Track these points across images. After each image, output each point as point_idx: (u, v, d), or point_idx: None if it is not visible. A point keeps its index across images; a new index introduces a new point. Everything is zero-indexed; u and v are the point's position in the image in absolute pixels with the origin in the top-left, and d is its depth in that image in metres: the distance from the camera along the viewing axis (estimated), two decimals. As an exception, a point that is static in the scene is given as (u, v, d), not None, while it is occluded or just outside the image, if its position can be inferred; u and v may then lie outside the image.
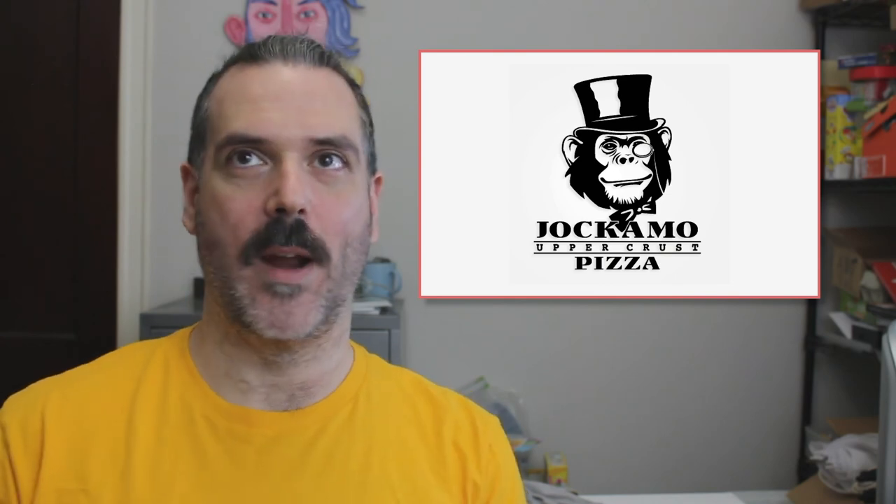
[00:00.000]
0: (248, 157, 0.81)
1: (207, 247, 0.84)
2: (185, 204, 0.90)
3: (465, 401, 0.96)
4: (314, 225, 0.81)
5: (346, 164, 0.84)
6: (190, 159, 0.90)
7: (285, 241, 0.79)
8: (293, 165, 0.81)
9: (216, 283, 0.84)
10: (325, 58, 0.86)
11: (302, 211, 0.80)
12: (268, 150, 0.81)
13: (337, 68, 0.88)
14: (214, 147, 0.84)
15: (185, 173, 0.90)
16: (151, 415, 0.84)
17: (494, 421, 0.96)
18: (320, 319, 0.82)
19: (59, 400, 0.84)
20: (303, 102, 0.83)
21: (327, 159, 0.83)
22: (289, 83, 0.83)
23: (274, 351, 0.84)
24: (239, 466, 0.82)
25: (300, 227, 0.80)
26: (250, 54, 0.86)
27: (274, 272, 0.80)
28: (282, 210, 0.79)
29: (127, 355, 0.90)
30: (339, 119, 0.85)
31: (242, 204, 0.81)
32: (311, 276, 0.81)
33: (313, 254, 0.81)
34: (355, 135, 0.86)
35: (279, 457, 0.83)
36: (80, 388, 0.86)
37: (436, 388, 0.96)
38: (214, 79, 0.89)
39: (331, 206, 0.82)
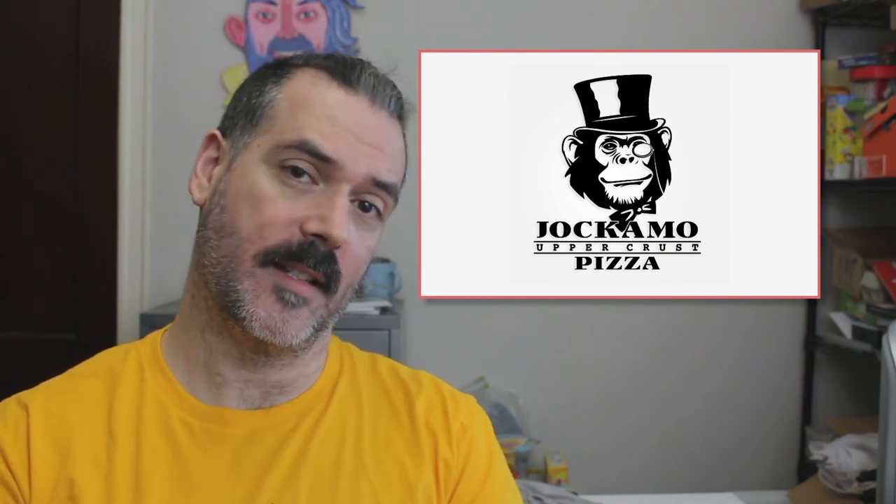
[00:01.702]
0: (301, 170, 0.82)
1: (219, 231, 0.83)
2: (197, 170, 0.88)
3: (437, 381, 0.96)
4: (341, 260, 0.83)
5: (379, 213, 0.86)
6: (225, 132, 0.88)
7: (315, 265, 0.81)
8: (346, 200, 0.82)
9: (215, 269, 0.82)
10: (402, 112, 0.89)
11: (338, 246, 0.82)
12: (328, 174, 0.82)
13: (403, 122, 0.90)
14: (275, 143, 0.83)
15: (211, 141, 0.88)
16: (129, 420, 0.84)
17: (469, 400, 0.96)
18: (307, 337, 0.83)
19: (41, 409, 0.84)
20: (375, 146, 0.84)
21: (367, 204, 0.85)
22: (370, 126, 0.84)
23: (254, 348, 0.84)
24: (214, 466, 0.83)
25: (331, 258, 0.82)
26: (342, 74, 0.86)
27: (288, 280, 0.81)
28: (319, 236, 0.81)
29: (100, 363, 0.90)
30: (397, 170, 0.88)
31: (281, 211, 0.81)
32: (316, 295, 0.83)
33: (329, 282, 0.83)
34: (399, 188, 0.89)
35: (254, 454, 0.83)
36: (59, 397, 0.85)
37: (407, 370, 0.96)
38: (285, 68, 0.87)
39: (356, 247, 0.85)
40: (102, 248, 2.47)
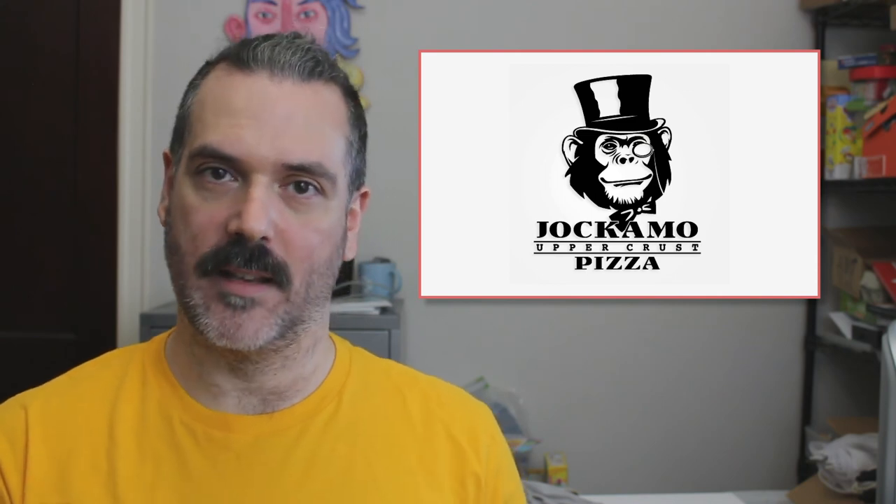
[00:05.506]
0: (221, 171, 0.79)
1: (169, 249, 0.83)
2: (163, 192, 0.88)
3: (457, 390, 0.95)
4: (278, 250, 0.79)
5: (320, 191, 0.81)
6: (171, 149, 0.87)
7: (245, 263, 0.78)
8: (260, 190, 0.78)
9: (174, 286, 0.82)
10: (315, 72, 0.82)
11: (265, 238, 0.78)
12: (239, 168, 0.79)
13: (333, 79, 0.84)
14: (188, 152, 0.82)
15: (167, 161, 0.88)
16: (131, 424, 0.83)
17: (487, 409, 0.95)
18: (273, 336, 0.80)
19: (41, 413, 0.83)
20: (281, 124, 0.79)
21: (302, 185, 0.80)
22: (271, 101, 0.80)
23: (237, 357, 0.83)
24: (220, 473, 0.81)
25: (261, 252, 0.78)
26: (238, 57, 0.82)
27: (229, 284, 0.79)
28: (242, 234, 0.78)
29: (105, 364, 0.89)
30: (319, 144, 0.81)
31: (205, 217, 0.79)
32: (266, 293, 0.80)
33: (275, 276, 0.79)
34: (334, 160, 0.82)
35: (260, 461, 0.82)
36: (61, 400, 0.85)
37: (425, 378, 0.94)
38: (203, 70, 0.86)
39: (297, 232, 0.80)
40: (102, 248, 2.47)
